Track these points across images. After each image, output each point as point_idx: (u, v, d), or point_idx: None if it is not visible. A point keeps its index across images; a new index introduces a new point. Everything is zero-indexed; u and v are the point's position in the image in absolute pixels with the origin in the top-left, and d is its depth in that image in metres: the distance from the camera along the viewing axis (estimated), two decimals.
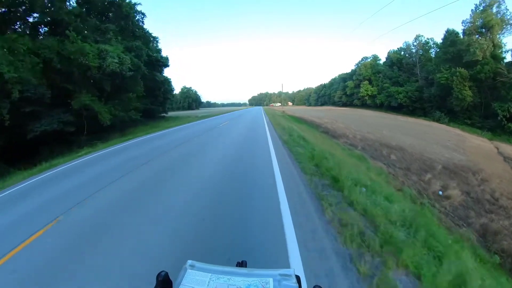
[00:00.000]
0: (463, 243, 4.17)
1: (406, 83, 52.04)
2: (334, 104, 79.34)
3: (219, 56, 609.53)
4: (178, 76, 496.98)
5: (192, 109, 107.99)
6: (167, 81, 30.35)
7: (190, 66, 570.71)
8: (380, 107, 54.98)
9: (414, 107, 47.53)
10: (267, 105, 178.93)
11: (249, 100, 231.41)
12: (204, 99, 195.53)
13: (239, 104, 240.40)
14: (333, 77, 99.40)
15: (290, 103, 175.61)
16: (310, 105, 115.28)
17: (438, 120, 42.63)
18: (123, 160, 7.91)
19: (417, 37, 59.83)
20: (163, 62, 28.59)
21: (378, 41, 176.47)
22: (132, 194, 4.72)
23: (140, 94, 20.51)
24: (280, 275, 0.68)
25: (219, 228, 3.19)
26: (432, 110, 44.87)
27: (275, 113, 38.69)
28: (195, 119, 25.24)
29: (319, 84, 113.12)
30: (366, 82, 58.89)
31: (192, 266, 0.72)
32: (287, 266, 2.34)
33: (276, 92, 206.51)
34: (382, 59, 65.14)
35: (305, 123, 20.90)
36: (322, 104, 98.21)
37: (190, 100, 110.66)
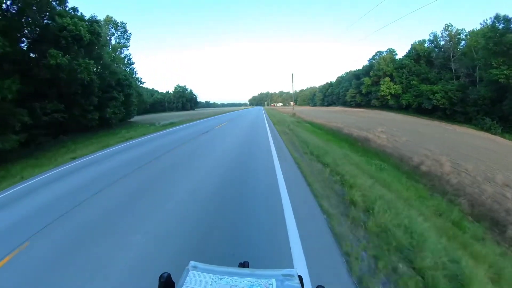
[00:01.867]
0: None
1: (440, 81, 42.47)
2: (345, 104, 69.60)
3: (220, 57, 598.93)
4: (178, 76, 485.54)
5: (187, 109, 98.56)
6: (110, 71, 19.77)
7: (190, 66, 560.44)
8: (405, 109, 45.33)
9: (454, 110, 37.89)
10: (268, 105, 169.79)
11: (250, 100, 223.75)
12: (203, 99, 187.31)
13: (239, 104, 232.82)
14: (340, 74, 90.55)
15: (292, 103, 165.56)
16: (315, 105, 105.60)
17: (488, 130, 33.12)
18: None
19: (446, 27, 50.41)
20: (74, 34, 13.90)
21: (384, 36, 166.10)
22: None
23: (7, 95, 10.54)
24: (283, 275, 0.67)
25: None
26: (478, 116, 35.22)
27: (282, 117, 27.48)
28: (152, 130, 15.97)
29: (324, 83, 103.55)
30: (387, 78, 49.21)
31: (194, 267, 0.71)
32: None
33: (277, 92, 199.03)
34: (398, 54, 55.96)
35: (359, 146, 11.12)
36: (329, 104, 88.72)
37: (184, 100, 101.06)
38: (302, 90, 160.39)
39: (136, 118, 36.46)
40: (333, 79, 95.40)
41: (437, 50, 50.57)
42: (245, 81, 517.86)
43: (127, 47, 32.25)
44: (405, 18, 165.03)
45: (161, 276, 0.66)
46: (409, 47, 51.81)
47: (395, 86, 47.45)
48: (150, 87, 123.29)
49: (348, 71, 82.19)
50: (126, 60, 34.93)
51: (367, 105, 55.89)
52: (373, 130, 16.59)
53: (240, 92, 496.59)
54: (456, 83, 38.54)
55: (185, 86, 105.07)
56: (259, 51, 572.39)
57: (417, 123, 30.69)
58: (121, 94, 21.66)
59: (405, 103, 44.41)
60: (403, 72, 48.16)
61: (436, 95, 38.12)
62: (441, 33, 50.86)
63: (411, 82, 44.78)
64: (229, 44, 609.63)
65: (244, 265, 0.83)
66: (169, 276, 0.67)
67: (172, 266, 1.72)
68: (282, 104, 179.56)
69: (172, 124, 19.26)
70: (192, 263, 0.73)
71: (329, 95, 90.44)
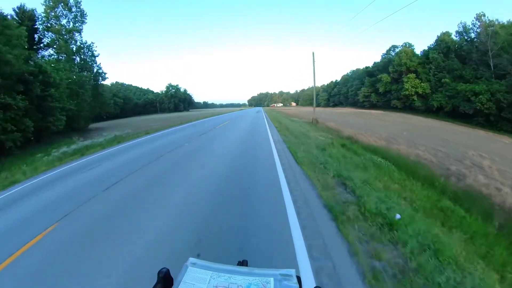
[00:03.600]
0: None
1: (478, 79, 34.73)
2: (355, 104, 61.83)
3: (219, 57, 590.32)
4: (177, 76, 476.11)
5: (180, 110, 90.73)
6: None
7: (190, 67, 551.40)
8: (435, 112, 37.54)
9: (500, 117, 30.06)
10: (267, 106, 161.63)
11: (249, 100, 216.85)
12: (202, 99, 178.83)
13: (238, 105, 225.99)
14: (346, 72, 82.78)
15: (293, 103, 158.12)
16: (318, 105, 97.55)
17: None
18: None
19: (479, 17, 42.74)
20: None
21: (384, 36, 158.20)
22: None
23: None
24: (281, 275, 0.67)
25: None
26: None
27: (305, 134, 12.77)
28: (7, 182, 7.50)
29: (329, 81, 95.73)
30: (412, 75, 41.43)
31: (193, 264, 0.71)
32: None
33: (277, 92, 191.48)
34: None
35: None
36: (335, 105, 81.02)
37: (177, 100, 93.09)
38: (303, 90, 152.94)
39: (101, 124, 28.73)
40: (338, 78, 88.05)
41: (465, 43, 43.02)
42: (244, 82, 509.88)
43: (79, 31, 24.35)
44: (406, 17, 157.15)
45: (160, 272, 0.66)
46: (413, 47, 44.23)
47: (423, 84, 39.64)
48: (145, 87, 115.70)
49: (355, 69, 74.64)
50: (87, 51, 27.16)
51: (385, 106, 47.96)
52: (475, 166, 8.93)
53: (239, 92, 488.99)
54: (505, 83, 30.71)
55: (177, 85, 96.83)
56: (259, 51, 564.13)
57: (465, 134, 22.89)
58: (19, 97, 13.14)
59: (436, 104, 36.61)
60: (430, 68, 40.48)
61: (480, 96, 30.30)
62: (472, 23, 43.40)
63: (443, 80, 37.05)
64: (229, 44, 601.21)
65: (243, 263, 0.84)
66: (168, 271, 0.67)
67: None
68: (282, 104, 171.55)
69: (83, 151, 10.47)
70: (191, 259, 0.73)
71: (335, 94, 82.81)
